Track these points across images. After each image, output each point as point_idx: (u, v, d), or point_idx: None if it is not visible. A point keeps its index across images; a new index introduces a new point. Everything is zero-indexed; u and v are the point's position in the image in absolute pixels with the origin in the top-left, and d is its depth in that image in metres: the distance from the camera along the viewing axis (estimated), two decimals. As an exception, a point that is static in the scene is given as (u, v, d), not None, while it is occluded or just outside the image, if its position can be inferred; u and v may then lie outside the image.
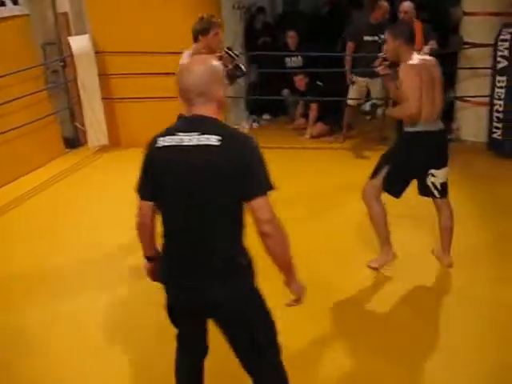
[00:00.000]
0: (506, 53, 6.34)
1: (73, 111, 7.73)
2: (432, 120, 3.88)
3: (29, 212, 5.66)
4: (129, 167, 6.62)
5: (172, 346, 2.61)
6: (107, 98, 7.43)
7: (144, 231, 2.43)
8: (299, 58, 7.89)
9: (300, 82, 7.64)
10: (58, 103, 7.50)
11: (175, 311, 2.47)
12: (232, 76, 4.16)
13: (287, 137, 7.43)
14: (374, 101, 4.69)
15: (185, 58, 4.09)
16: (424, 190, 4.08)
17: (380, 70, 4.14)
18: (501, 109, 6.54)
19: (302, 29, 8.26)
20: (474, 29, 6.78)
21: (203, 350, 2.63)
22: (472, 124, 7.10)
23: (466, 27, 6.91)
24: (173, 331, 2.55)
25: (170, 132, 2.26)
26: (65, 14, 7.34)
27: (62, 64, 7.46)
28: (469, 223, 4.83)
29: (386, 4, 6.95)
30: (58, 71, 7.53)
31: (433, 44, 6.52)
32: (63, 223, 5.36)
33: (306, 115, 7.88)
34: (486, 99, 6.75)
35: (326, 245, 4.68)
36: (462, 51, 6.98)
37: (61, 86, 7.57)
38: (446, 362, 3.25)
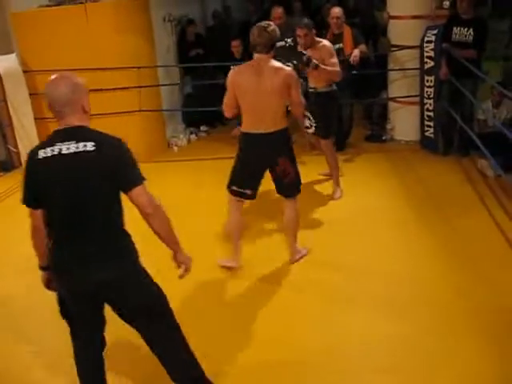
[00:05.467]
0: (431, 53, 6.57)
1: (4, 133, 7.49)
2: None
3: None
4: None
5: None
6: (40, 118, 7.24)
7: (38, 235, 2.62)
8: None
9: None
10: (-13, 126, 7.29)
11: (69, 301, 2.63)
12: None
13: (227, 146, 7.40)
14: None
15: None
16: None
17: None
18: (431, 107, 6.76)
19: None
20: (401, 32, 6.99)
21: (101, 342, 2.77)
22: (405, 123, 7.31)
23: (393, 30, 7.12)
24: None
25: (48, 144, 2.48)
26: (-11, 34, 7.15)
27: (-11, 86, 7.25)
28: (400, 217, 5.16)
29: (277, 10, 6.79)
30: (-14, 93, 7.31)
31: (362, 48, 6.69)
32: None
33: None
34: (417, 99, 6.97)
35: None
36: (390, 54, 7.18)
37: (-10, 108, 7.35)
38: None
